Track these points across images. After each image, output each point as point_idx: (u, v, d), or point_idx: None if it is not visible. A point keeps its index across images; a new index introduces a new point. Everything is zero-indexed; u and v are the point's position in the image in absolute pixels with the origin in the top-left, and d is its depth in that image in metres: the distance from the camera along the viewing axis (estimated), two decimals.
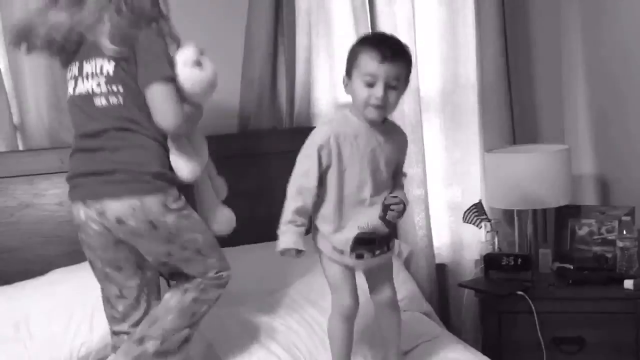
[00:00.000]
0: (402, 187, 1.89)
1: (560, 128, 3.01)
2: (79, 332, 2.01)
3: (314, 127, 2.68)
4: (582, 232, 2.65)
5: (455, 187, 2.91)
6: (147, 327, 1.77)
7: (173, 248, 1.75)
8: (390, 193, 1.82)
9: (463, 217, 2.74)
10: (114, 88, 1.73)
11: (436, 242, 2.84)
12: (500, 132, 2.83)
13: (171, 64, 1.72)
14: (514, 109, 2.85)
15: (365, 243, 1.76)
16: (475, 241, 2.80)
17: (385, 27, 2.67)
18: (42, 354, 1.94)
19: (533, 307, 2.34)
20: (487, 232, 2.68)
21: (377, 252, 1.79)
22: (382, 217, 1.76)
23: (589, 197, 2.90)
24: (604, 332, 2.35)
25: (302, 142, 2.62)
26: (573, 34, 2.92)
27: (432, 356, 1.99)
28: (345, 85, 1.77)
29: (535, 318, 2.34)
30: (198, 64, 1.76)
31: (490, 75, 2.78)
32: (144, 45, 1.71)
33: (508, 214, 2.78)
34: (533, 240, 2.67)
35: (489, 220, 2.68)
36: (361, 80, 1.69)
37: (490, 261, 2.55)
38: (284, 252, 1.76)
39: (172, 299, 1.80)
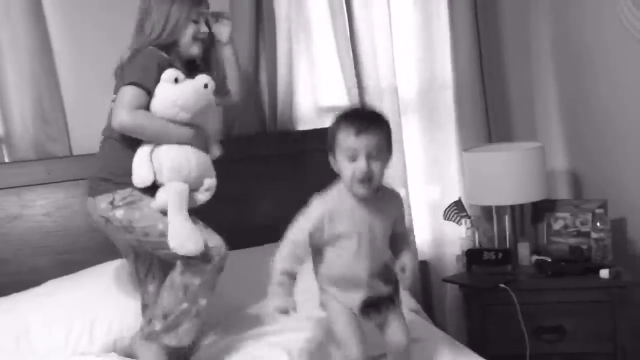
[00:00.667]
0: (406, 241, 1.91)
1: (533, 126, 3.11)
2: (80, 344, 2.03)
3: (297, 131, 2.78)
4: (558, 225, 2.75)
5: (435, 186, 2.99)
6: (153, 309, 1.94)
7: (136, 236, 1.92)
8: (398, 253, 1.84)
9: (443, 215, 2.82)
10: (112, 98, 1.92)
11: (418, 240, 2.92)
12: (476, 131, 2.92)
13: (151, 77, 1.88)
14: (489, 108, 2.95)
15: (371, 305, 1.77)
16: (456, 238, 2.88)
17: (362, 31, 2.74)
18: None
19: (515, 299, 2.43)
20: (467, 228, 2.76)
21: (383, 309, 1.80)
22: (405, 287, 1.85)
23: (563, 192, 3.01)
24: (582, 321, 2.45)
25: (286, 145, 2.73)
26: (542, 36, 3.03)
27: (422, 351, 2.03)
28: (333, 164, 1.75)
29: (518, 309, 2.43)
30: (175, 81, 1.89)
31: (465, 76, 2.88)
32: (130, 59, 1.93)
33: (486, 211, 2.87)
34: (512, 234, 2.76)
35: (469, 217, 2.76)
36: (344, 157, 1.68)
37: (472, 256, 2.64)
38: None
39: (167, 279, 1.94)
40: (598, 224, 2.56)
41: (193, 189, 1.97)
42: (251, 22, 2.59)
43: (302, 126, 2.80)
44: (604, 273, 2.45)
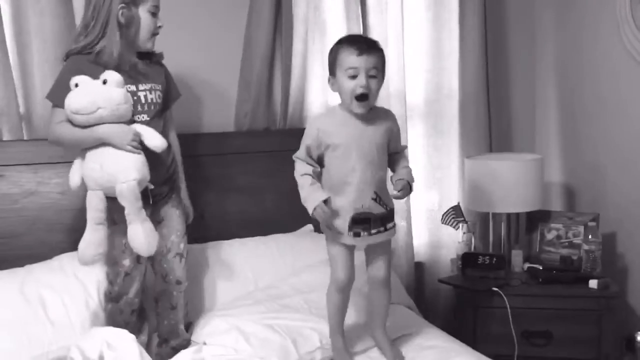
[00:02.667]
0: (405, 158, 2.08)
1: (532, 138, 3.23)
2: (96, 319, 2.11)
3: (303, 129, 2.86)
4: (551, 235, 2.86)
5: (435, 190, 3.09)
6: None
7: None
8: (394, 170, 2.03)
9: (441, 219, 2.92)
10: None
11: (415, 242, 3.02)
12: (478, 139, 3.03)
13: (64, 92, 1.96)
14: (492, 119, 3.06)
15: (361, 222, 1.94)
16: (452, 241, 2.99)
17: (375, 37, 2.83)
18: (61, 339, 2.02)
19: (507, 303, 2.53)
20: (464, 233, 2.87)
21: (374, 231, 1.96)
22: (396, 196, 1.98)
23: (557, 203, 3.11)
24: (569, 327, 2.55)
25: (294, 142, 2.80)
26: (546, 54, 3.16)
27: (418, 343, 2.15)
28: (332, 85, 1.96)
29: (509, 313, 2.53)
30: (76, 86, 1.95)
31: (471, 87, 2.99)
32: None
33: (483, 217, 2.97)
34: (506, 241, 2.86)
35: (466, 222, 2.86)
36: (345, 75, 1.87)
37: (467, 259, 2.74)
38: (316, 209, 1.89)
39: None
40: (590, 236, 2.66)
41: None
42: (270, 21, 2.68)
43: None
44: (593, 283, 2.56)
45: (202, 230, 2.50)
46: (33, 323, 2.05)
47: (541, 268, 2.72)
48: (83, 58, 2.00)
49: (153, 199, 2.05)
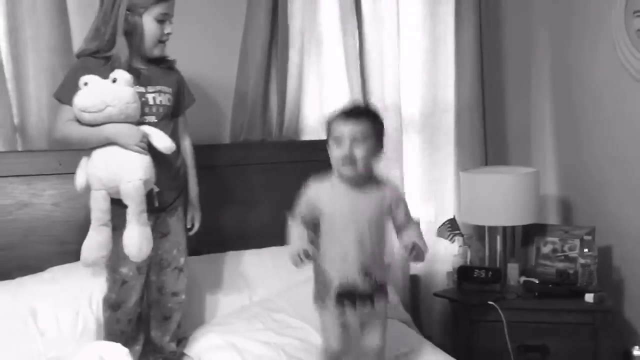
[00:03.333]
0: (415, 229, 1.96)
1: (528, 152, 3.23)
2: (87, 329, 2.09)
3: (302, 141, 2.88)
4: (547, 249, 2.85)
5: (431, 204, 3.09)
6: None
7: None
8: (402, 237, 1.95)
9: (437, 232, 2.91)
10: None
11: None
12: (473, 153, 3.03)
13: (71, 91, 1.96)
14: (487, 132, 3.07)
15: (347, 297, 1.88)
16: (447, 255, 2.98)
17: (371, 50, 2.86)
18: (52, 350, 2.00)
19: (503, 317, 2.52)
20: (460, 246, 2.86)
21: (359, 305, 1.88)
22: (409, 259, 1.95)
23: (553, 217, 3.11)
24: (565, 341, 2.54)
25: (290, 154, 2.82)
26: (542, 68, 3.17)
27: None
28: (330, 156, 1.93)
29: (505, 327, 2.52)
30: (85, 84, 1.95)
31: (467, 100, 3.00)
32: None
33: (479, 230, 2.97)
34: (502, 255, 2.86)
35: (462, 236, 2.86)
36: (333, 142, 1.88)
37: (463, 273, 2.73)
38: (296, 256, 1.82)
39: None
40: (586, 250, 2.65)
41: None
42: (266, 32, 2.68)
43: (307, 137, 2.89)
44: (589, 297, 2.55)
45: (196, 243, 2.49)
46: (23, 334, 2.03)
47: (537, 282, 2.71)
48: (93, 60, 2.01)
49: (160, 206, 2.04)
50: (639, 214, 2.61)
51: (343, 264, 1.87)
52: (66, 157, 2.44)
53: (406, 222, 1.96)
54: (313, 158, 2.78)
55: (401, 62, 2.91)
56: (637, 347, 2.46)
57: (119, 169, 1.90)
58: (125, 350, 1.87)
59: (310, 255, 1.80)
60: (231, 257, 2.56)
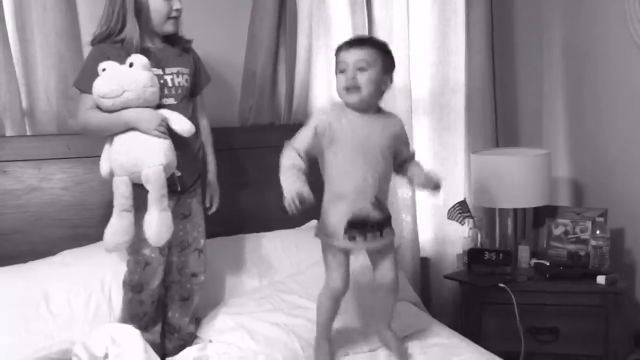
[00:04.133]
0: (416, 163, 2.04)
1: (539, 133, 3.19)
2: (99, 312, 2.10)
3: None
4: (558, 231, 2.83)
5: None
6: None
7: None
8: (405, 170, 2.01)
9: (447, 214, 2.89)
10: None
11: (421, 237, 2.99)
12: (484, 134, 3.00)
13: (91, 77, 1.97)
14: (498, 113, 3.03)
15: (358, 226, 1.89)
16: (458, 237, 2.96)
17: (381, 31, 2.82)
18: (64, 332, 2.02)
19: (514, 299, 2.51)
20: (470, 228, 2.84)
21: (370, 235, 1.91)
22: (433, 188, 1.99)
23: (564, 199, 3.08)
24: (576, 323, 2.53)
25: None
26: (554, 48, 3.12)
27: (424, 341, 2.12)
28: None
29: (515, 309, 2.51)
30: (103, 70, 1.95)
31: (477, 81, 2.96)
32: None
33: (490, 212, 2.95)
34: (513, 237, 2.84)
35: (472, 218, 2.84)
36: (337, 71, 1.90)
37: (473, 255, 2.72)
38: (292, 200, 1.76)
39: None
40: (598, 232, 2.63)
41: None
42: (274, 15, 2.65)
43: None
44: (601, 279, 2.53)
45: (209, 226, 2.49)
46: (35, 317, 2.05)
47: (548, 264, 2.69)
48: (109, 46, 2.01)
49: (182, 188, 2.04)
50: None
51: (356, 194, 1.87)
52: (75, 141, 2.45)
53: (409, 156, 2.02)
54: None
55: (411, 42, 2.87)
56: None
57: (140, 154, 1.90)
58: (137, 331, 1.88)
59: (306, 200, 1.74)
60: (242, 240, 2.56)
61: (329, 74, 2.86)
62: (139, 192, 1.92)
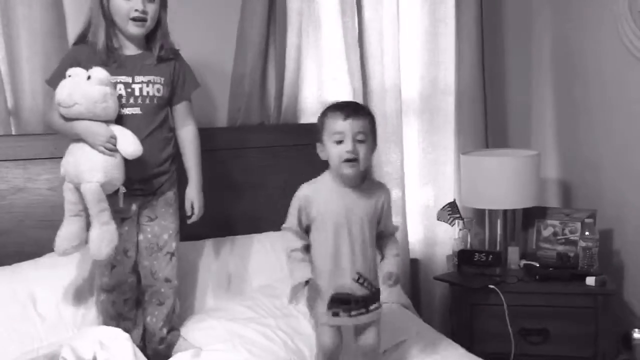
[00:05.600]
0: (395, 243, 1.95)
1: (528, 134, 3.20)
2: (88, 316, 2.07)
3: (300, 124, 2.84)
4: (547, 232, 2.84)
5: (430, 187, 3.06)
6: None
7: None
8: (382, 253, 1.93)
9: (437, 215, 2.89)
10: None
11: (410, 238, 2.99)
12: (474, 135, 3.00)
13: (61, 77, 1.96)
14: (488, 114, 3.03)
15: (341, 302, 1.82)
16: (447, 238, 2.96)
17: (370, 31, 2.81)
18: (52, 336, 1.99)
19: (504, 300, 2.51)
20: (460, 230, 2.84)
21: (354, 312, 1.84)
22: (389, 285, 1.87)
23: (553, 200, 3.09)
24: (566, 325, 2.53)
25: (288, 137, 2.78)
26: (543, 50, 3.13)
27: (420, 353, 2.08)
28: (321, 152, 1.86)
29: (505, 310, 2.51)
30: (69, 76, 1.94)
31: (467, 82, 2.96)
32: None
33: (479, 214, 2.95)
34: (502, 238, 2.84)
35: (462, 219, 2.84)
36: (331, 141, 1.79)
37: (463, 257, 2.72)
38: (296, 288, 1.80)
39: None
40: (587, 233, 2.64)
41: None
42: (263, 14, 2.63)
43: (305, 120, 2.85)
44: (590, 280, 2.54)
45: (194, 228, 2.46)
46: (23, 319, 2.02)
47: (538, 265, 2.70)
48: (85, 48, 1.99)
49: (146, 191, 2.03)
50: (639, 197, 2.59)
51: (337, 270, 1.81)
52: (62, 141, 2.40)
53: (389, 230, 1.94)
54: (312, 141, 2.77)
55: (401, 43, 2.87)
56: (636, 329, 2.47)
57: (82, 168, 1.89)
58: (126, 335, 1.85)
59: (312, 288, 1.79)
60: (230, 242, 2.53)
61: (319, 73, 2.86)
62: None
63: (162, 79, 2.08)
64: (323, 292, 1.83)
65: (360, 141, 1.79)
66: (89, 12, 2.02)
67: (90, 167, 1.88)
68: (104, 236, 1.87)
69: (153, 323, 2.13)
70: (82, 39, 2.02)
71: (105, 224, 1.88)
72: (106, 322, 2.04)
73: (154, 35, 2.07)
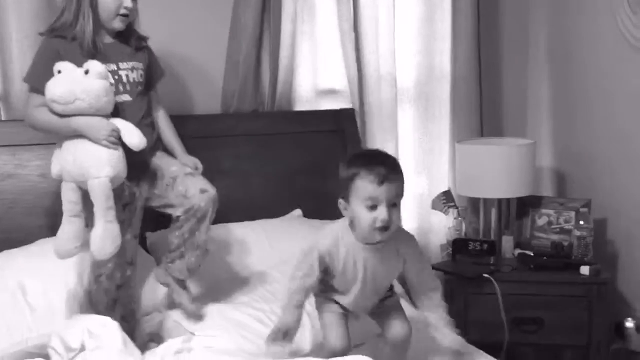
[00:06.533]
0: (437, 297, 1.84)
1: (524, 123, 3.18)
2: (77, 304, 2.04)
3: (295, 111, 2.82)
4: (542, 221, 2.83)
5: (425, 175, 3.05)
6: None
7: None
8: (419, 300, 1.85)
9: (431, 204, 2.87)
10: None
11: (404, 227, 2.95)
12: (469, 124, 2.99)
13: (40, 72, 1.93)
14: (483, 103, 3.01)
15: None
16: (442, 227, 2.95)
17: (366, 18, 2.78)
18: (42, 326, 1.95)
19: (498, 289, 2.50)
20: (454, 218, 2.82)
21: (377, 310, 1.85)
22: None
23: (548, 189, 3.08)
24: (560, 313, 2.53)
25: (282, 125, 2.75)
26: (540, 37, 3.10)
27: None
28: (344, 209, 1.72)
29: (500, 299, 2.50)
30: (59, 72, 1.88)
31: (463, 70, 2.94)
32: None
33: (474, 202, 2.93)
34: (497, 227, 2.83)
35: (457, 208, 2.82)
36: (363, 205, 1.65)
37: (458, 246, 2.71)
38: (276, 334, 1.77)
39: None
40: (581, 222, 2.63)
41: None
42: (258, 1, 2.60)
43: (300, 107, 2.83)
44: (585, 270, 2.53)
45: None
46: (12, 309, 1.98)
47: (532, 254, 2.69)
48: (61, 41, 1.95)
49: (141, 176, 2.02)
50: (635, 187, 2.58)
51: (354, 306, 1.81)
52: None
53: (426, 285, 1.82)
54: (306, 129, 2.76)
55: (396, 29, 2.84)
56: (629, 318, 2.48)
57: (86, 164, 1.84)
58: (116, 323, 1.82)
59: (289, 336, 1.75)
60: (224, 229, 2.50)
61: (313, 60, 2.82)
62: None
63: (142, 64, 2.07)
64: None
65: (394, 205, 1.67)
66: (65, 5, 1.96)
67: (96, 163, 1.84)
68: (108, 235, 1.84)
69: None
70: (56, 31, 1.97)
71: (109, 222, 1.84)
72: (98, 312, 2.00)
73: (128, 25, 2.05)
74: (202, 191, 2.03)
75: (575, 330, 2.52)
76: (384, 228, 1.65)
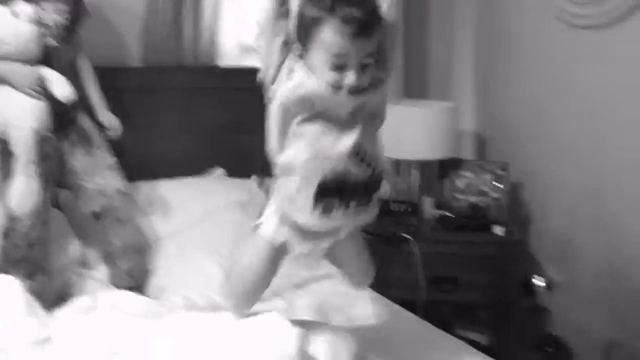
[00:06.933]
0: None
1: (448, 87, 3.22)
2: None
3: (220, 67, 2.74)
4: (461, 183, 2.88)
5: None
6: None
7: None
8: None
9: None
10: None
11: None
12: (393, 86, 2.98)
13: None
14: (407, 65, 3.02)
15: (336, 190, 1.36)
16: None
17: None
18: None
19: (417, 249, 2.56)
20: None
21: (352, 203, 1.40)
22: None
23: (468, 152, 3.15)
24: (474, 272, 2.60)
25: (205, 79, 2.67)
26: (468, 2, 3.12)
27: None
28: (301, 57, 1.32)
29: (419, 259, 2.56)
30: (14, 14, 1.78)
31: None
32: None
33: (396, 164, 2.97)
34: (418, 189, 2.88)
35: None
36: (326, 62, 1.28)
37: (381, 206, 2.73)
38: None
39: None
40: (497, 184, 2.71)
41: None
42: None
43: (223, 62, 2.75)
44: (498, 230, 2.62)
45: None
46: None
47: (452, 215, 2.76)
48: None
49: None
50: (551, 153, 2.67)
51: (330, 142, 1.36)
52: None
53: None
54: (231, 85, 2.68)
55: None
56: (536, 275, 2.60)
57: (9, 114, 1.75)
58: (18, 282, 1.74)
59: None
60: (143, 187, 2.44)
61: (237, 14, 2.74)
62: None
63: (67, 6, 1.95)
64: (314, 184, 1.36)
65: (365, 66, 1.32)
66: None
67: (19, 113, 1.74)
68: (28, 190, 1.76)
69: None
70: None
71: (30, 177, 1.77)
72: (9, 270, 1.90)
73: None
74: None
75: (488, 288, 2.61)
76: (353, 90, 1.31)
